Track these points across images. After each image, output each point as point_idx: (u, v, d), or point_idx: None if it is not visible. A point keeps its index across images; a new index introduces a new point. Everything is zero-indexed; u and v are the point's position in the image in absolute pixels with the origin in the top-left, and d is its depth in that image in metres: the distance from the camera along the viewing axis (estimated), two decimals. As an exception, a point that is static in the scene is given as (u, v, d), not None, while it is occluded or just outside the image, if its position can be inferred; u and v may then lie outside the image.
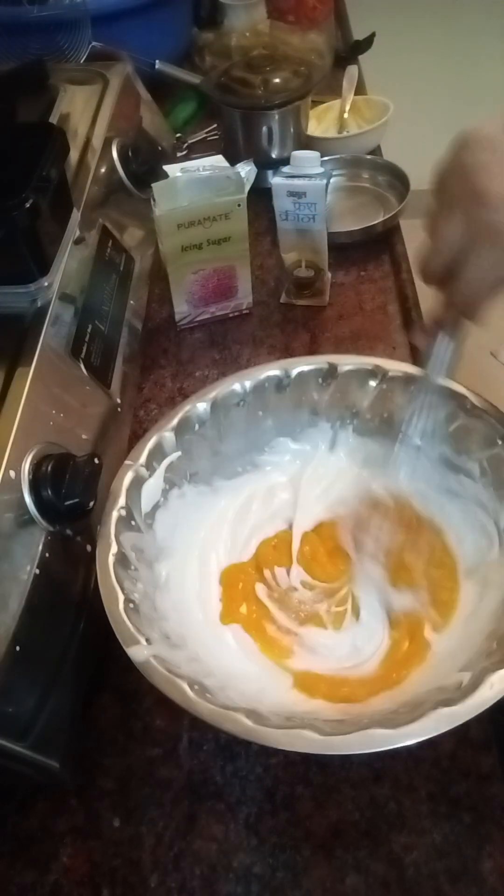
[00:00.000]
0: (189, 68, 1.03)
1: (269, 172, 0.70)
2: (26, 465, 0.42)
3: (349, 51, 1.12)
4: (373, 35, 1.12)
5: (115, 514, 0.47)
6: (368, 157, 0.90)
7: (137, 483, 0.50)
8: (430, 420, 0.53)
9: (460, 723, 0.36)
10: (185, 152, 0.98)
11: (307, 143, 0.89)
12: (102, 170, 0.64)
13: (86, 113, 0.68)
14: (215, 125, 0.99)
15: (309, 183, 0.65)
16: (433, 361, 0.51)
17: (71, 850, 0.44)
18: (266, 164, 0.75)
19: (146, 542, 0.50)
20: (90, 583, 0.46)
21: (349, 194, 0.88)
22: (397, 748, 0.36)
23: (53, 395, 0.48)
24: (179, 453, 0.53)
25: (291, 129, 0.87)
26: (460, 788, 0.44)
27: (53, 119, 0.67)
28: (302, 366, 0.56)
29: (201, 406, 0.54)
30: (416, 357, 0.53)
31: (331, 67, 1.09)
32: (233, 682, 0.44)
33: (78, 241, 0.57)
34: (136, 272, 0.70)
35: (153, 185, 0.63)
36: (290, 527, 0.55)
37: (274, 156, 0.87)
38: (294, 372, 0.56)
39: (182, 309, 0.72)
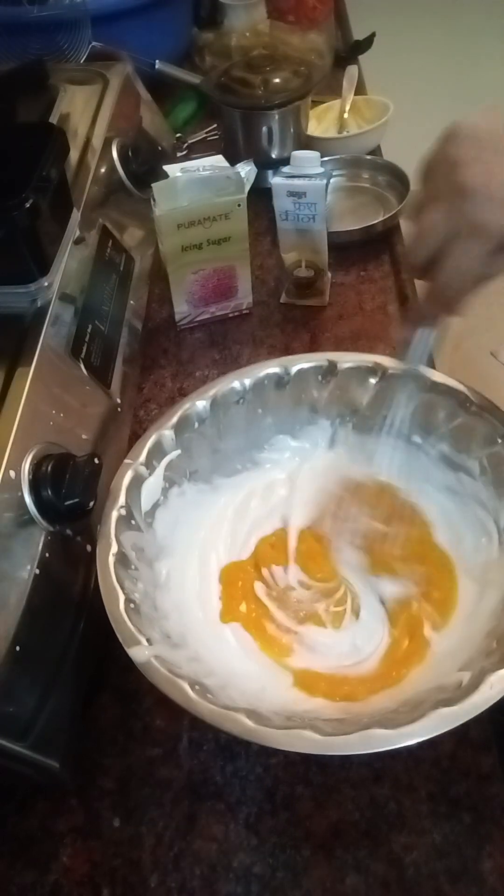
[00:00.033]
0: (189, 68, 1.04)
1: (269, 172, 0.70)
2: (26, 465, 0.42)
3: (349, 51, 1.12)
4: (373, 35, 1.12)
5: (114, 514, 0.47)
6: (368, 157, 0.90)
7: (137, 482, 0.50)
8: (408, 409, 0.54)
9: (460, 723, 0.36)
10: (185, 152, 0.98)
11: (307, 143, 0.89)
12: (102, 170, 0.64)
13: (86, 113, 0.68)
14: (215, 125, 0.99)
15: (309, 183, 0.65)
16: (412, 350, 0.52)
17: (71, 850, 0.44)
18: (266, 164, 0.75)
19: (146, 541, 0.49)
20: (90, 583, 0.46)
21: (349, 194, 0.88)
22: (397, 748, 0.36)
23: (53, 395, 0.48)
24: (179, 451, 0.53)
25: (291, 129, 0.87)
26: (460, 788, 0.44)
27: (53, 119, 0.67)
28: (302, 363, 0.56)
29: (201, 404, 0.54)
30: (397, 347, 0.53)
31: (331, 67, 1.09)
32: (234, 680, 0.44)
33: (78, 241, 0.57)
34: (136, 272, 0.70)
35: (153, 185, 0.63)
36: (287, 524, 0.55)
37: (274, 156, 0.87)
38: (294, 369, 0.56)
39: (182, 309, 0.72)
